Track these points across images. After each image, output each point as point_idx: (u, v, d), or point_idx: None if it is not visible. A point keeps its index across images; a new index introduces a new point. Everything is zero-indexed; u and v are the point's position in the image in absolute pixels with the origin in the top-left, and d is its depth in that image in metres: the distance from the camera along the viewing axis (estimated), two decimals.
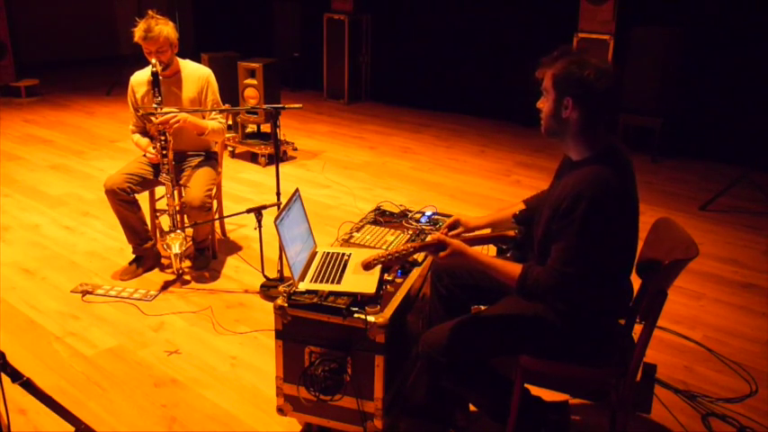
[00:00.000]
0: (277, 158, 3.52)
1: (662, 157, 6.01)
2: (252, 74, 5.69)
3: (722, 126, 5.93)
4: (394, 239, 2.75)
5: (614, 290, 2.11)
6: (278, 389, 2.36)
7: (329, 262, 2.49)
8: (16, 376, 1.94)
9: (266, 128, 5.91)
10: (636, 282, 2.25)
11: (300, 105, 3.61)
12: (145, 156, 3.61)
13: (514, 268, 2.02)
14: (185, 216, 3.76)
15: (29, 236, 4.22)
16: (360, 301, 2.25)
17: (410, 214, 3.01)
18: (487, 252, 2.41)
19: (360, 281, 2.34)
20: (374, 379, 2.22)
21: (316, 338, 2.26)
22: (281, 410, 2.39)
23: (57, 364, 2.90)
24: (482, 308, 2.65)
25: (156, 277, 3.68)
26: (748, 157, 5.16)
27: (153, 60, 3.42)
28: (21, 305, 3.38)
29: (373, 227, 2.90)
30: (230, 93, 5.44)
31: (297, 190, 2.68)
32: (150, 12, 3.48)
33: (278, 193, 3.40)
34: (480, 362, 2.26)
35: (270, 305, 2.41)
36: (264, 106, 3.47)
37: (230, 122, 5.78)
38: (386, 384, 2.24)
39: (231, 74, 5.74)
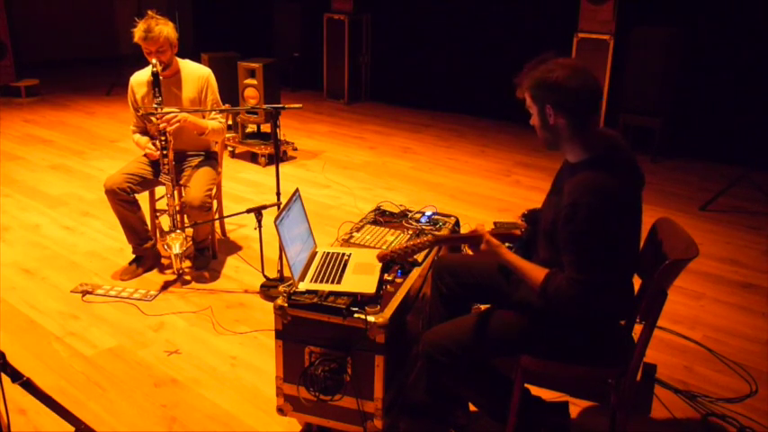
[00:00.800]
0: (277, 158, 3.52)
1: (662, 157, 6.01)
2: (252, 74, 5.69)
3: (722, 126, 5.93)
4: (394, 239, 2.75)
5: (620, 291, 2.11)
6: (278, 389, 2.36)
7: (329, 262, 2.49)
8: (16, 376, 1.94)
9: (266, 128, 5.91)
10: (636, 282, 2.25)
11: (300, 105, 3.61)
12: (145, 155, 3.62)
13: (539, 273, 2.03)
14: (185, 216, 3.77)
15: (29, 236, 4.22)
16: (360, 301, 2.25)
17: (410, 214, 3.01)
18: None
19: (360, 281, 2.34)
20: (374, 379, 2.22)
21: (316, 338, 2.26)
22: (281, 410, 2.39)
23: (57, 364, 2.90)
24: (482, 307, 2.65)
25: (156, 277, 3.68)
26: (748, 157, 5.16)
27: (153, 60, 3.42)
28: (21, 305, 3.38)
29: (373, 227, 2.90)
30: (230, 93, 5.44)
31: (297, 190, 2.68)
32: (150, 12, 3.48)
33: (278, 193, 3.40)
34: (480, 362, 2.27)
35: (270, 305, 2.41)
36: (264, 106, 3.47)
37: (230, 122, 5.79)
38: (386, 384, 2.24)
39: (231, 74, 5.74)
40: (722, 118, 5.91)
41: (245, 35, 9.42)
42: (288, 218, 2.44)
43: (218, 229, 4.13)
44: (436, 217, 2.97)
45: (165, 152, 3.44)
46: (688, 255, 1.99)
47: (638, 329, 2.08)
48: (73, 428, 2.09)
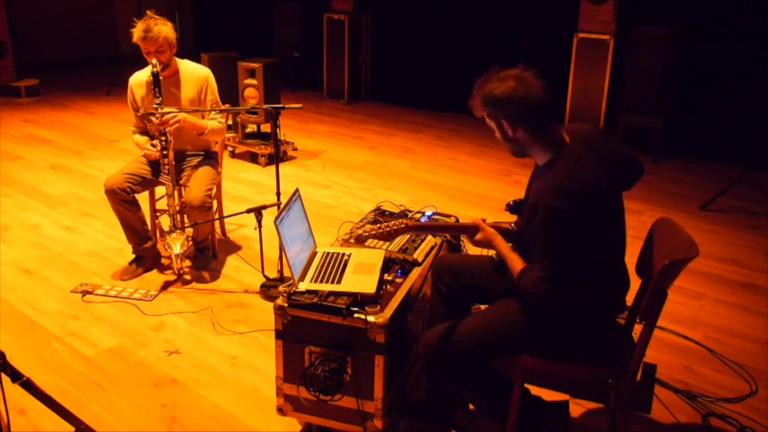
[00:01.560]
0: (277, 158, 3.52)
1: (662, 157, 6.01)
2: (252, 74, 5.69)
3: (722, 126, 5.93)
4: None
5: (607, 283, 2.12)
6: (278, 389, 2.36)
7: (329, 262, 2.49)
8: (16, 376, 1.94)
9: (266, 128, 5.90)
10: (636, 282, 2.25)
11: (300, 105, 3.61)
12: (144, 156, 3.62)
13: (516, 266, 2.12)
14: (185, 216, 3.77)
15: (29, 236, 4.22)
16: (360, 301, 2.25)
17: (410, 214, 3.01)
18: None
19: (360, 281, 2.34)
20: (374, 379, 2.22)
21: (316, 338, 2.26)
22: (281, 410, 2.39)
23: (57, 364, 2.90)
24: (482, 307, 2.65)
25: (156, 277, 3.68)
26: (748, 157, 5.16)
27: (153, 61, 3.42)
28: (21, 305, 3.38)
29: (373, 227, 2.89)
30: (230, 93, 5.43)
31: (297, 190, 2.68)
32: (149, 12, 3.47)
33: (278, 193, 3.40)
34: (480, 362, 2.27)
35: (270, 305, 2.41)
36: (264, 106, 3.47)
37: (230, 122, 5.78)
38: (386, 384, 2.24)
39: (231, 74, 5.73)
40: (722, 118, 5.91)
41: (245, 35, 9.42)
42: (288, 218, 2.44)
43: (218, 229, 4.13)
44: (436, 217, 2.97)
45: (165, 152, 3.44)
46: (688, 255, 2.00)
47: (638, 329, 2.08)
48: (73, 428, 2.09)
